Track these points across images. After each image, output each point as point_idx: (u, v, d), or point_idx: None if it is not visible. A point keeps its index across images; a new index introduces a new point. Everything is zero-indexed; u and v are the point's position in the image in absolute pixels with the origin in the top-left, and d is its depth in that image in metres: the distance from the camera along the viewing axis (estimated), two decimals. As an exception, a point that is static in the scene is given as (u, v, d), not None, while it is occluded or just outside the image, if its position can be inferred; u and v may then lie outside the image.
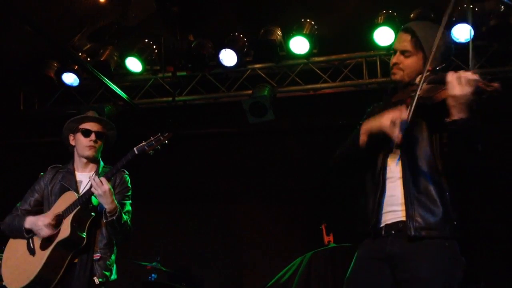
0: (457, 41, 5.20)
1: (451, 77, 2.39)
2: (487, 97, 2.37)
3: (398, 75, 2.73)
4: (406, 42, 2.71)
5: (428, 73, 2.54)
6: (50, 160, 3.94)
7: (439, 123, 2.50)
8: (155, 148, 3.42)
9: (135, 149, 3.44)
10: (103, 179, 3.36)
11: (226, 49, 5.68)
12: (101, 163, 3.74)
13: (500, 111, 5.73)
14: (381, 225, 2.60)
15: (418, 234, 2.48)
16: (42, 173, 3.79)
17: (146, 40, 6.00)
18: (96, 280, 3.44)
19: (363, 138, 2.63)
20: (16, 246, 3.61)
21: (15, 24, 5.19)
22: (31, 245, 3.53)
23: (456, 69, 5.78)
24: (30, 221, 3.54)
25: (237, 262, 6.47)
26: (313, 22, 5.57)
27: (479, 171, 2.58)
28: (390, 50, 5.48)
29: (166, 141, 3.43)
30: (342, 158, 2.81)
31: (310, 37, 5.52)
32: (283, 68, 5.96)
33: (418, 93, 2.45)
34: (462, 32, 5.15)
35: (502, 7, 5.02)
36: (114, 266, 3.62)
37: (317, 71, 5.87)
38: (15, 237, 3.63)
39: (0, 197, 5.34)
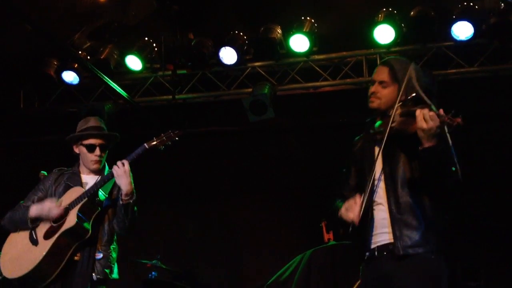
0: (458, 38, 5.21)
1: (418, 113, 2.64)
2: (453, 130, 2.67)
3: (375, 103, 2.96)
4: (384, 74, 2.95)
5: (400, 103, 2.80)
6: (51, 158, 3.95)
7: (415, 149, 2.74)
8: (165, 144, 3.46)
9: (145, 144, 3.47)
10: (125, 161, 3.42)
11: (226, 47, 5.68)
12: (107, 168, 3.75)
13: (501, 110, 5.74)
14: (373, 247, 2.85)
15: (405, 253, 2.73)
16: (42, 171, 3.79)
17: (146, 38, 6.00)
18: (94, 277, 3.45)
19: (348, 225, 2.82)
20: (16, 239, 3.60)
21: (15, 22, 5.19)
22: (34, 236, 3.52)
23: (456, 67, 5.80)
24: (36, 208, 3.52)
25: (237, 259, 6.47)
26: (313, 20, 5.57)
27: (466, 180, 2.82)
28: (390, 48, 5.52)
29: (177, 138, 3.47)
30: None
31: (310, 35, 5.51)
32: (283, 66, 5.96)
33: (389, 126, 2.76)
34: (462, 30, 5.15)
35: (502, 4, 5.02)
36: (116, 265, 3.62)
37: (317, 69, 5.87)
38: (17, 230, 3.62)
39: (0, 195, 5.34)
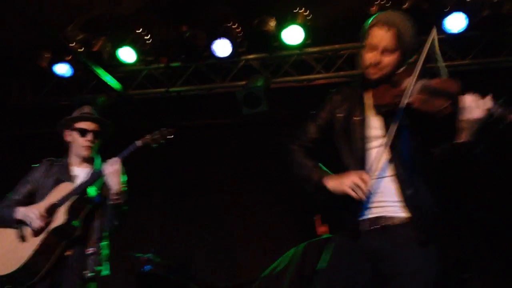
0: (450, 31, 5.22)
1: (468, 101, 2.32)
2: (504, 127, 2.30)
3: (377, 75, 2.62)
4: (389, 39, 2.55)
5: (417, 75, 2.48)
6: (43, 151, 3.92)
7: (426, 129, 2.51)
8: (158, 142, 3.44)
9: (137, 142, 3.46)
10: (116, 159, 3.40)
11: (220, 40, 5.66)
12: (97, 159, 3.73)
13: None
14: (366, 217, 2.60)
15: (420, 236, 2.50)
16: (33, 165, 3.77)
17: (139, 31, 5.96)
18: (88, 274, 3.42)
19: (318, 187, 2.65)
20: (4, 235, 3.57)
21: (7, 14, 5.15)
22: (23, 232, 3.50)
23: (448, 60, 5.81)
24: (21, 212, 3.50)
25: (231, 252, 6.48)
26: (306, 13, 5.55)
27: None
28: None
29: (170, 136, 3.47)
30: (298, 175, 2.79)
31: (304, 27, 5.51)
32: (277, 59, 5.95)
33: (405, 101, 2.44)
34: (455, 23, 5.16)
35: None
36: (107, 261, 3.61)
37: (311, 61, 5.86)
38: (3, 227, 3.59)
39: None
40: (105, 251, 3.59)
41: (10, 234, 3.55)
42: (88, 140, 3.61)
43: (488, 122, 2.30)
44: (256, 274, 5.35)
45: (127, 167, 3.60)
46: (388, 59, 2.57)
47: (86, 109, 3.75)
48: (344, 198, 2.56)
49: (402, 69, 2.60)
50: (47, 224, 3.42)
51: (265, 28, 5.59)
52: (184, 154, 6.41)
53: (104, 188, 3.57)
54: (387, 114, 2.57)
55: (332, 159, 2.83)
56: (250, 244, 6.39)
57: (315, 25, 5.62)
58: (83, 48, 5.94)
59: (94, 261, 3.48)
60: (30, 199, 3.64)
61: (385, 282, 2.53)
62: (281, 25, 5.59)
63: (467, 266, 5.14)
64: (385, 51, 2.56)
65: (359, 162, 2.62)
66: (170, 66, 5.99)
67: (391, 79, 2.60)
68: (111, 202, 3.40)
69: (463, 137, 2.37)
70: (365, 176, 2.49)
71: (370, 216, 2.60)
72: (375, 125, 2.65)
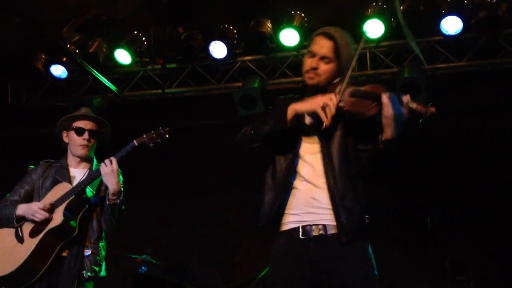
0: (446, 33, 5.23)
1: (386, 98, 2.47)
2: (424, 121, 2.46)
3: (315, 79, 2.75)
4: (328, 48, 2.73)
5: (348, 82, 2.64)
6: (39, 152, 3.92)
7: (356, 130, 2.65)
8: (155, 142, 3.44)
9: (135, 141, 3.45)
10: (113, 159, 3.39)
11: (216, 41, 5.65)
12: (95, 161, 3.72)
13: (489, 104, 5.78)
14: (299, 225, 2.65)
15: (348, 240, 2.56)
16: (31, 166, 3.76)
17: (135, 32, 5.96)
18: (85, 274, 3.43)
19: (290, 115, 2.65)
20: (1, 236, 3.57)
21: (3, 15, 5.13)
22: (20, 233, 3.49)
23: (445, 61, 5.83)
24: (23, 207, 3.50)
25: (228, 254, 6.48)
26: (303, 14, 5.56)
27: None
28: (380, 42, 5.53)
29: (167, 136, 3.45)
30: (260, 137, 2.79)
31: (300, 29, 5.51)
32: (273, 60, 5.95)
33: (340, 104, 2.58)
34: (451, 25, 5.17)
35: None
36: (104, 262, 3.61)
37: (307, 63, 5.86)
38: (2, 226, 3.58)
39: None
40: (102, 252, 3.58)
41: (7, 235, 3.54)
42: (85, 139, 3.60)
43: (407, 117, 2.46)
44: (253, 275, 5.35)
45: (124, 167, 3.59)
46: (325, 67, 2.74)
47: (83, 110, 3.76)
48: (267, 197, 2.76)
49: (336, 80, 2.76)
50: (45, 223, 3.41)
51: (261, 30, 5.60)
52: (181, 155, 6.41)
53: (101, 188, 3.57)
54: (319, 123, 2.67)
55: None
56: (246, 244, 6.38)
57: (312, 27, 5.62)
58: (78, 50, 5.94)
59: (92, 261, 3.48)
60: (27, 200, 3.63)
61: None
62: (277, 27, 5.59)
63: (463, 267, 5.15)
64: (323, 58, 2.73)
65: (291, 167, 2.72)
66: (166, 67, 5.97)
67: (325, 88, 2.75)
68: (108, 202, 3.39)
69: (386, 135, 2.51)
70: (333, 96, 2.58)
71: (307, 224, 2.64)
72: (310, 132, 2.75)
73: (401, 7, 5.25)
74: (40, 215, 3.41)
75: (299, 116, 2.69)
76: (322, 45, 2.74)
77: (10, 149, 6.76)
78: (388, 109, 2.46)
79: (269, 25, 5.65)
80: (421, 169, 5.69)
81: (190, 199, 6.56)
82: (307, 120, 2.77)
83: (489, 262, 5.58)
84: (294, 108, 2.67)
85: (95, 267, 3.50)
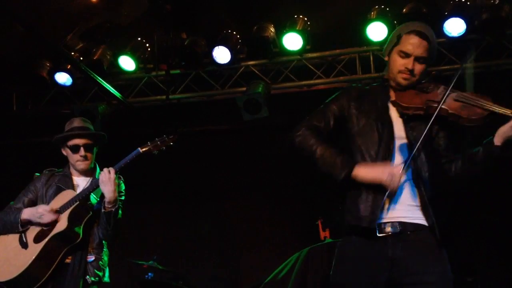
0: (450, 35, 5.22)
1: None
2: None
3: (409, 81, 2.72)
4: (424, 49, 2.69)
5: (450, 85, 2.66)
6: (44, 160, 3.92)
7: (449, 134, 2.70)
8: (160, 149, 3.45)
9: (139, 149, 3.46)
10: (112, 169, 3.41)
11: (220, 47, 5.67)
12: (98, 169, 3.73)
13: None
14: (381, 222, 2.58)
15: (440, 240, 2.56)
16: (37, 173, 3.77)
17: (139, 39, 5.98)
18: (89, 280, 3.44)
19: (346, 175, 2.59)
20: (5, 242, 3.57)
21: (7, 23, 5.16)
22: (24, 239, 3.50)
23: (448, 63, 5.81)
24: (28, 211, 3.50)
25: (234, 259, 6.47)
26: (306, 18, 5.57)
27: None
28: (383, 45, 5.51)
29: (172, 143, 3.46)
30: (311, 163, 2.70)
31: (303, 33, 5.52)
32: (276, 65, 5.95)
33: (439, 106, 2.58)
34: (455, 26, 5.17)
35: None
36: (107, 268, 3.61)
37: (311, 67, 5.87)
38: (7, 232, 3.58)
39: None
40: (105, 257, 3.59)
41: (11, 240, 3.55)
42: (81, 156, 3.61)
43: None
44: (259, 280, 5.34)
45: (129, 174, 3.60)
46: (419, 68, 2.71)
47: (76, 122, 3.73)
48: (358, 195, 2.61)
49: (426, 79, 2.77)
50: (50, 229, 3.42)
51: (264, 34, 5.61)
52: (185, 160, 6.42)
53: (103, 196, 3.58)
54: (411, 117, 2.68)
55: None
56: (252, 249, 6.38)
57: (315, 31, 5.63)
58: (83, 57, 5.96)
59: (95, 267, 3.49)
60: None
61: None
62: (280, 31, 5.60)
63: (471, 269, 5.12)
64: (418, 59, 2.70)
65: (386, 159, 2.63)
66: (170, 73, 5.98)
67: (417, 86, 2.74)
68: (104, 210, 3.41)
69: (500, 142, 2.57)
70: (398, 169, 2.53)
71: (387, 220, 2.59)
72: (398, 127, 2.71)
73: (404, 10, 5.25)
74: (48, 218, 3.42)
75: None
76: (417, 45, 2.69)
77: (16, 157, 6.77)
78: None
79: (272, 29, 5.66)
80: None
81: (195, 204, 6.56)
82: (396, 115, 2.74)
83: (496, 264, 5.55)
84: (357, 174, 2.58)
85: (98, 272, 3.50)
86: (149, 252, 5.73)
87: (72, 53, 5.95)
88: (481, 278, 5.07)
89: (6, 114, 6.55)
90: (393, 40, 2.78)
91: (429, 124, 2.56)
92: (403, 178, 2.57)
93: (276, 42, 5.71)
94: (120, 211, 3.53)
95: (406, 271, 2.53)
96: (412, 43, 2.69)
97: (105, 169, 3.41)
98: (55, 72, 6.05)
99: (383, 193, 2.55)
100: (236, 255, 6.47)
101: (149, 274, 5.47)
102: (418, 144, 2.56)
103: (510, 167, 5.56)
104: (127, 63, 5.94)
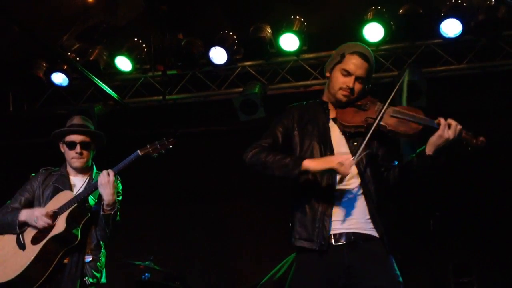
0: (446, 36, 5.24)
1: (443, 121, 2.70)
2: (473, 149, 2.76)
3: (348, 98, 2.89)
4: (365, 70, 2.88)
5: (386, 103, 2.82)
6: (40, 161, 3.92)
7: (388, 147, 2.87)
8: (159, 152, 3.45)
9: (139, 151, 3.46)
10: (110, 171, 3.40)
11: (216, 47, 5.67)
12: (95, 169, 3.73)
13: (489, 107, 5.78)
14: (336, 232, 2.74)
15: (388, 249, 2.72)
16: (33, 174, 3.77)
17: (136, 39, 5.98)
18: (87, 281, 3.44)
19: (301, 170, 2.72)
20: (3, 243, 3.56)
21: (3, 24, 5.15)
22: (21, 240, 3.49)
23: (445, 64, 5.82)
24: (25, 213, 3.50)
25: (230, 260, 6.47)
26: (302, 19, 5.58)
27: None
28: (379, 46, 5.54)
29: (171, 146, 3.47)
30: (272, 176, 2.88)
31: (299, 34, 5.52)
32: (273, 65, 5.96)
33: (376, 122, 2.77)
34: (451, 27, 5.18)
35: (493, 0, 5.04)
36: (104, 269, 3.61)
37: (307, 67, 5.88)
38: (4, 233, 3.58)
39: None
40: (102, 258, 3.59)
41: (9, 241, 3.54)
42: (77, 152, 3.61)
43: (455, 143, 2.70)
44: (256, 280, 5.34)
45: (126, 175, 3.60)
46: (359, 87, 2.89)
47: (75, 119, 3.73)
48: (304, 215, 2.79)
49: (388, 103, 2.90)
50: (48, 231, 3.41)
51: (261, 35, 5.61)
52: (182, 161, 6.41)
53: (102, 197, 3.57)
54: (353, 134, 2.85)
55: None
56: (248, 250, 6.38)
57: (311, 31, 5.63)
58: (79, 58, 5.96)
59: (93, 268, 3.49)
60: (28, 208, 3.62)
61: None
62: (277, 32, 5.61)
63: (466, 270, 5.14)
64: (358, 79, 2.87)
65: (329, 181, 2.80)
66: (166, 74, 5.98)
67: (355, 103, 2.92)
68: (103, 213, 3.40)
69: (431, 151, 2.71)
70: (348, 157, 2.71)
71: (342, 231, 2.74)
72: (341, 144, 2.87)
73: (401, 11, 5.27)
74: (43, 222, 3.42)
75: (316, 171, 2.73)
76: (359, 66, 2.88)
77: (12, 158, 6.76)
78: (444, 131, 2.67)
79: (269, 30, 5.66)
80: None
81: (191, 205, 6.56)
82: (337, 132, 2.91)
83: (492, 264, 5.57)
84: (308, 166, 2.71)
85: (96, 273, 3.51)
86: (145, 252, 5.73)
87: (69, 54, 5.94)
88: (477, 279, 5.09)
89: (2, 114, 6.54)
90: (336, 58, 2.98)
91: (365, 140, 2.72)
92: (353, 169, 2.72)
93: (272, 43, 5.71)
94: (118, 211, 3.54)
95: (361, 278, 2.67)
96: (355, 63, 2.88)
97: (104, 172, 3.41)
98: (51, 73, 6.05)
99: (329, 208, 2.75)
100: (233, 255, 6.47)
101: (146, 274, 5.47)
102: (358, 156, 2.72)
103: (509, 167, 5.60)
104: (123, 63, 5.94)
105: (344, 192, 2.78)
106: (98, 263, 3.54)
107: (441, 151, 2.71)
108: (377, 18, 5.31)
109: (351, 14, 5.41)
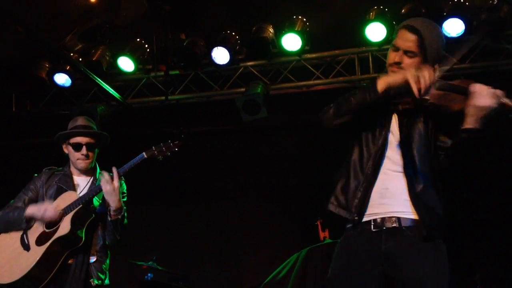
0: (448, 35, 5.23)
1: (478, 88, 2.44)
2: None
3: None
4: (412, 42, 2.65)
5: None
6: (43, 161, 3.92)
7: (438, 125, 2.62)
8: (164, 155, 3.44)
9: (144, 153, 3.46)
10: (115, 176, 3.38)
11: (219, 47, 5.67)
12: (98, 169, 3.73)
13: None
14: (371, 218, 2.58)
15: (429, 234, 2.51)
16: (36, 174, 3.77)
17: (138, 39, 5.99)
18: (93, 282, 3.44)
19: (381, 87, 2.56)
20: (7, 241, 3.56)
21: (6, 24, 5.16)
22: (26, 240, 3.49)
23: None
24: (32, 208, 3.48)
25: (233, 259, 6.47)
26: (305, 19, 5.58)
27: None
28: (382, 46, 5.53)
29: (176, 149, 3.45)
30: (347, 111, 2.66)
31: (302, 34, 5.52)
32: (275, 65, 5.96)
33: (426, 97, 2.51)
34: (453, 27, 5.17)
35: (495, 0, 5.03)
36: (108, 271, 3.61)
37: (310, 67, 5.88)
38: (8, 230, 3.57)
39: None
40: (107, 260, 3.60)
41: (13, 241, 3.54)
42: (83, 154, 3.61)
43: (495, 111, 2.41)
44: (258, 280, 5.34)
45: (129, 175, 3.60)
46: (409, 61, 2.65)
47: (80, 120, 3.72)
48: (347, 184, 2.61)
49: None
50: (53, 232, 3.41)
51: (263, 35, 5.61)
52: (184, 161, 6.41)
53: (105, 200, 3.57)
54: (403, 112, 2.67)
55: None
56: (252, 250, 6.37)
57: (313, 31, 5.64)
58: (82, 58, 5.97)
59: (98, 269, 3.49)
60: None
61: (396, 286, 2.53)
62: (279, 32, 5.61)
63: (470, 270, 5.12)
64: (407, 53, 2.66)
65: (377, 157, 2.65)
66: (169, 74, 5.99)
67: None
68: (110, 218, 3.40)
69: (468, 123, 2.44)
70: (430, 71, 2.50)
71: (383, 215, 2.58)
72: (392, 121, 2.71)
73: (403, 10, 5.26)
74: (50, 213, 3.39)
75: (390, 90, 2.57)
76: (406, 39, 2.66)
77: (15, 158, 6.77)
78: (476, 98, 2.41)
79: (271, 30, 5.66)
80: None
81: (195, 205, 6.56)
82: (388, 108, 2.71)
83: (496, 265, 5.55)
84: (386, 80, 2.58)
85: (101, 275, 3.51)
86: (148, 252, 5.74)
87: (71, 54, 5.95)
88: (481, 278, 5.08)
89: (6, 114, 6.55)
90: (394, 35, 2.79)
91: (412, 117, 2.52)
92: (383, 179, 2.59)
93: (275, 43, 5.71)
94: (125, 214, 3.54)
95: (398, 267, 2.51)
96: (402, 37, 2.67)
97: (107, 177, 3.37)
98: (54, 73, 6.05)
99: (371, 184, 2.59)
100: (236, 255, 6.47)
101: (149, 274, 5.48)
102: (386, 135, 2.59)
103: (509, 166, 5.59)
104: (126, 64, 5.95)
105: (380, 170, 2.62)
106: (104, 265, 3.54)
107: (477, 122, 2.42)
108: (380, 17, 5.30)
109: (354, 14, 5.40)
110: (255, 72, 5.98)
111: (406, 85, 2.51)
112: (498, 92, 2.45)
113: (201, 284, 6.28)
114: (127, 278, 5.79)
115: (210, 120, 6.60)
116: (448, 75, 2.63)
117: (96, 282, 3.45)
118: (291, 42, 5.57)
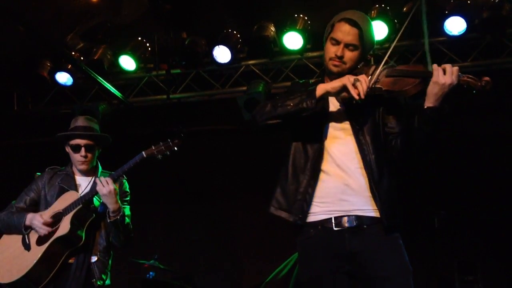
0: (450, 34, 5.22)
1: (436, 67, 2.47)
2: (478, 91, 2.47)
3: (340, 68, 2.70)
4: (353, 36, 2.66)
5: (365, 67, 2.64)
6: (44, 160, 3.93)
7: (389, 109, 2.64)
8: (164, 154, 3.45)
9: (143, 153, 3.46)
10: (109, 179, 3.40)
11: (220, 46, 5.67)
12: (100, 168, 3.74)
13: (493, 104, 5.76)
14: (331, 215, 2.58)
15: (389, 224, 2.52)
16: (38, 173, 3.78)
17: (139, 38, 5.99)
18: (95, 283, 3.45)
19: (319, 94, 2.57)
20: (9, 242, 3.59)
21: (8, 23, 5.16)
22: (27, 240, 3.52)
23: (449, 62, 5.81)
24: (30, 218, 3.52)
25: (235, 258, 6.47)
26: (306, 18, 5.57)
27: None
28: (383, 44, 5.52)
29: (176, 148, 3.45)
30: (283, 115, 2.67)
31: (303, 32, 5.52)
32: (277, 64, 5.96)
33: (373, 80, 2.56)
34: (455, 25, 5.17)
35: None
36: (109, 271, 3.63)
37: (311, 66, 5.87)
38: (10, 233, 3.61)
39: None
40: (110, 261, 3.61)
41: (15, 242, 3.56)
42: (82, 156, 3.62)
43: (457, 88, 2.44)
44: (260, 279, 5.34)
45: (130, 174, 3.60)
46: (350, 55, 2.69)
47: (80, 121, 3.72)
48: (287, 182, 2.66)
49: (361, 64, 2.74)
50: (52, 232, 3.42)
51: (265, 34, 5.61)
52: (186, 160, 6.41)
53: None
54: (350, 102, 2.64)
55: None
56: (253, 249, 6.37)
57: (315, 30, 5.63)
58: (83, 57, 5.97)
59: (100, 269, 3.49)
60: (33, 208, 3.65)
61: (364, 284, 2.55)
62: (280, 31, 5.60)
63: (471, 268, 5.12)
64: (348, 46, 2.68)
65: (321, 151, 2.64)
66: (170, 73, 6.00)
67: (352, 72, 2.70)
68: (109, 220, 3.42)
69: (431, 102, 2.46)
70: (363, 76, 2.53)
71: (344, 214, 2.57)
72: (339, 113, 2.71)
73: (404, 9, 5.26)
74: (43, 230, 3.44)
75: (325, 100, 2.60)
76: (347, 32, 2.67)
77: (16, 157, 6.78)
78: (438, 76, 2.43)
79: (273, 29, 5.66)
80: (428, 170, 5.68)
81: (196, 204, 6.56)
82: (335, 102, 2.70)
83: (497, 262, 5.55)
84: (324, 87, 2.59)
85: (103, 276, 3.52)
86: (150, 251, 5.74)
87: (73, 53, 5.95)
88: (482, 277, 5.08)
89: (7, 113, 6.56)
90: (328, 29, 2.79)
91: (355, 100, 2.51)
92: (343, 175, 2.57)
93: (276, 41, 5.71)
94: (127, 212, 3.54)
95: (364, 266, 2.52)
96: (342, 30, 2.68)
97: (103, 180, 3.39)
98: (55, 72, 6.06)
99: (315, 182, 2.59)
100: (237, 254, 6.47)
101: (150, 273, 5.48)
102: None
103: (509, 166, 5.58)
104: (127, 62, 5.95)
105: (335, 167, 2.61)
106: (105, 265, 3.56)
107: (440, 100, 2.44)
108: (381, 16, 5.29)
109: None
110: (257, 71, 5.97)
111: (345, 91, 2.54)
112: (455, 69, 2.47)
113: (202, 282, 6.28)
114: (129, 276, 5.80)
115: (211, 119, 6.60)
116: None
117: (99, 283, 3.46)
118: (293, 40, 5.56)
